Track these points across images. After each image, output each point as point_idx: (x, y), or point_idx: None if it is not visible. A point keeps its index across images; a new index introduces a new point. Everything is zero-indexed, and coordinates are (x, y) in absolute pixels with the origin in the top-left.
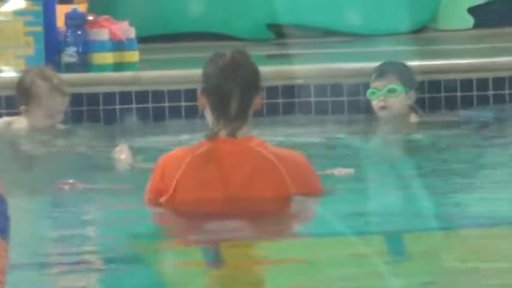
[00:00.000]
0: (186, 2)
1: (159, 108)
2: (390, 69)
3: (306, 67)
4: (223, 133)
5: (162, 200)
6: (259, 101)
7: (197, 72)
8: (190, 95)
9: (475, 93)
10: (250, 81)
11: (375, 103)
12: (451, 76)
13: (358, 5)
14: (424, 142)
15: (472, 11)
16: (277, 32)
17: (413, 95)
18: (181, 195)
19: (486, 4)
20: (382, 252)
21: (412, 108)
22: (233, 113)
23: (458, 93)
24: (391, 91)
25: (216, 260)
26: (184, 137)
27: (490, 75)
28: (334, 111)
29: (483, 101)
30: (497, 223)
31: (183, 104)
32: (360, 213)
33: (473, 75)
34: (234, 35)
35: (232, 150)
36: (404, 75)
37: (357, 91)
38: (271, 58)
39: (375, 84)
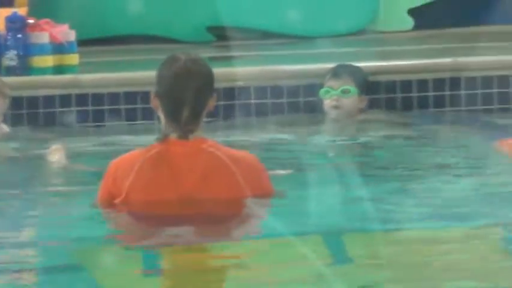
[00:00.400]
0: (126, 5)
1: (98, 111)
2: (346, 70)
3: (246, 69)
4: (174, 135)
5: (115, 203)
6: (213, 102)
7: (137, 75)
8: (130, 97)
9: (415, 94)
10: (204, 87)
11: (327, 102)
12: (391, 77)
13: (298, 7)
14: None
15: (411, 12)
16: (218, 34)
17: (365, 99)
18: (134, 199)
19: (426, 6)
20: (324, 255)
21: (363, 112)
22: (185, 118)
23: (398, 95)
24: (345, 92)
25: (156, 266)
26: (124, 139)
27: (430, 76)
28: (274, 112)
29: (423, 102)
30: (437, 225)
31: (122, 106)
32: (304, 215)
33: (413, 77)
34: (175, 38)
35: (184, 151)
36: (359, 78)
37: (297, 92)
38: (211, 60)
39: (330, 83)
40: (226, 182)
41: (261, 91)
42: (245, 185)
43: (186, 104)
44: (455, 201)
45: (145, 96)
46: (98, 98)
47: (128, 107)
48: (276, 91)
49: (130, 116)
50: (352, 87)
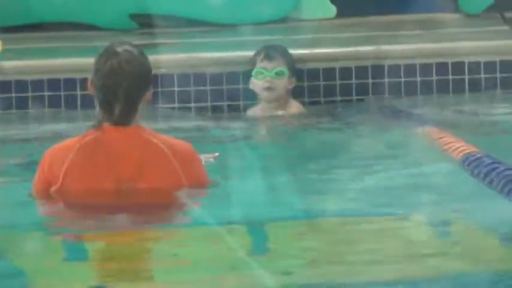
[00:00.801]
0: None
1: (22, 98)
2: (278, 52)
3: (169, 57)
4: (109, 123)
5: (51, 190)
6: (149, 94)
7: (60, 62)
8: (54, 84)
9: (338, 82)
10: (137, 86)
11: (260, 83)
12: (314, 65)
13: None
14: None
15: (334, 0)
16: (141, 22)
17: (293, 81)
18: (70, 185)
19: None
20: (248, 244)
21: (291, 93)
22: (117, 112)
23: (321, 83)
24: (280, 74)
25: (82, 254)
26: (48, 127)
27: (352, 64)
28: (197, 100)
29: (346, 90)
30: (362, 213)
31: (46, 93)
32: (232, 204)
33: (336, 64)
34: (98, 25)
35: (120, 138)
36: (289, 59)
37: (220, 80)
38: None
39: (263, 65)
40: (163, 169)
41: (184, 79)
42: (182, 172)
43: (118, 102)
44: (378, 190)
45: (68, 84)
46: (21, 85)
47: (51, 94)
48: (199, 79)
49: (54, 103)
50: (285, 69)
